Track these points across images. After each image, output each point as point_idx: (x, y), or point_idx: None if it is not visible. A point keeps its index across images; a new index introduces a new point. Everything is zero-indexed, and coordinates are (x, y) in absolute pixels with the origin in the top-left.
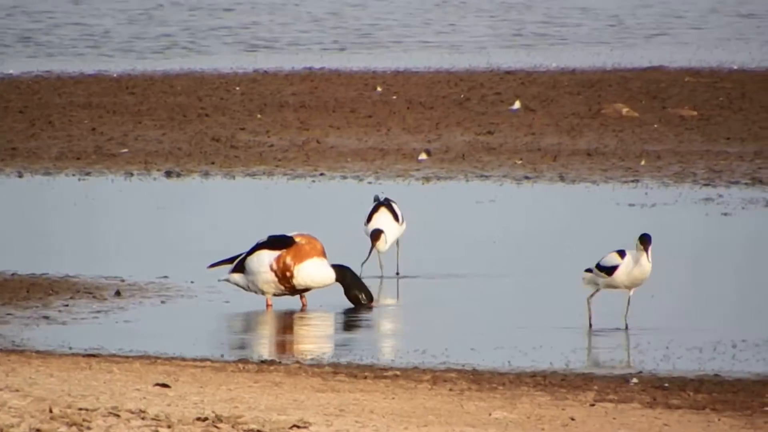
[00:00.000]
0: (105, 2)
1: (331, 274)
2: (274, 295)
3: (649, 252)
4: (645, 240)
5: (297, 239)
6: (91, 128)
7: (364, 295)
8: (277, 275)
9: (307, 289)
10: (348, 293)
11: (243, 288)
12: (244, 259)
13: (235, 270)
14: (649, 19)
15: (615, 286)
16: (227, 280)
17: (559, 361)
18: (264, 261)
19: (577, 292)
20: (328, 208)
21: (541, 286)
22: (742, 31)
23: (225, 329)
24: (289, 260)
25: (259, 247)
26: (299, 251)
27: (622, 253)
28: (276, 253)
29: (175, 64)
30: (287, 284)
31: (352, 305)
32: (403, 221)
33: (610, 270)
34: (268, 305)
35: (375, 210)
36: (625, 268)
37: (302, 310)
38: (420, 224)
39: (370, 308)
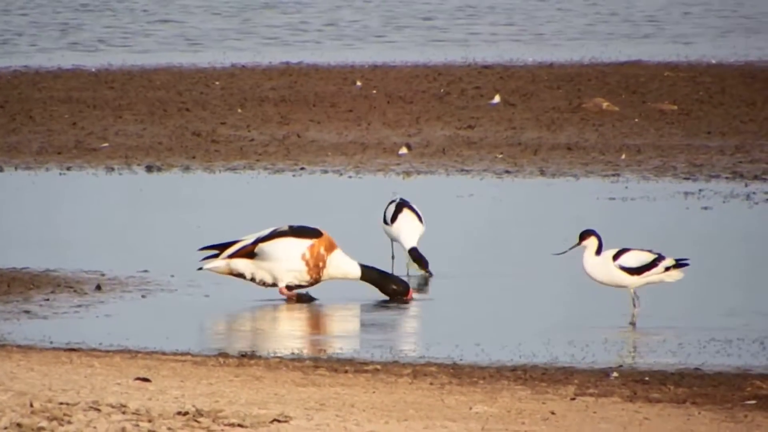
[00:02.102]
0: None
1: (358, 268)
2: (287, 286)
3: (588, 248)
4: (580, 236)
5: (322, 230)
6: (72, 123)
7: (397, 285)
8: (308, 265)
9: (316, 282)
10: (384, 289)
11: (242, 276)
12: (254, 245)
13: (236, 256)
14: (624, 13)
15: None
16: (213, 268)
17: (540, 355)
18: (293, 249)
19: (556, 287)
20: (309, 202)
21: (521, 281)
22: (719, 26)
23: (205, 323)
24: (323, 250)
25: (279, 234)
26: (329, 242)
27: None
28: (308, 242)
29: (151, 58)
30: (315, 275)
31: (388, 298)
32: (423, 222)
33: None
34: (284, 294)
35: (398, 210)
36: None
37: (288, 303)
38: None
39: (407, 300)
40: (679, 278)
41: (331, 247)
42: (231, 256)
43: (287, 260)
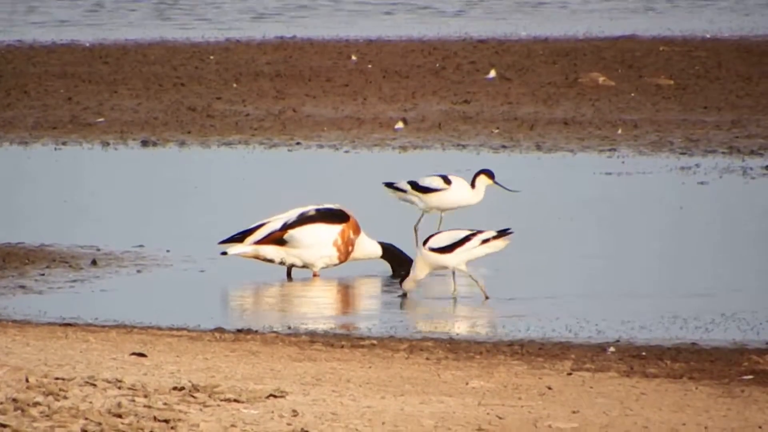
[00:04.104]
0: None
1: (379, 247)
2: (321, 268)
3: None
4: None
5: (347, 212)
6: (67, 98)
7: (408, 263)
8: (339, 250)
9: (341, 263)
10: (397, 266)
11: (271, 261)
12: (283, 231)
13: (264, 242)
14: None
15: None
16: (240, 253)
17: (537, 330)
18: (325, 236)
19: (552, 262)
20: (305, 177)
21: (517, 256)
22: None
23: (201, 298)
24: (351, 234)
25: (308, 220)
26: (356, 225)
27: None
28: (337, 228)
29: (146, 33)
30: (344, 258)
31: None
32: None
33: None
34: (315, 276)
35: (446, 178)
36: None
37: (288, 280)
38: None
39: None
40: (502, 247)
41: (357, 230)
42: (259, 242)
43: (319, 247)
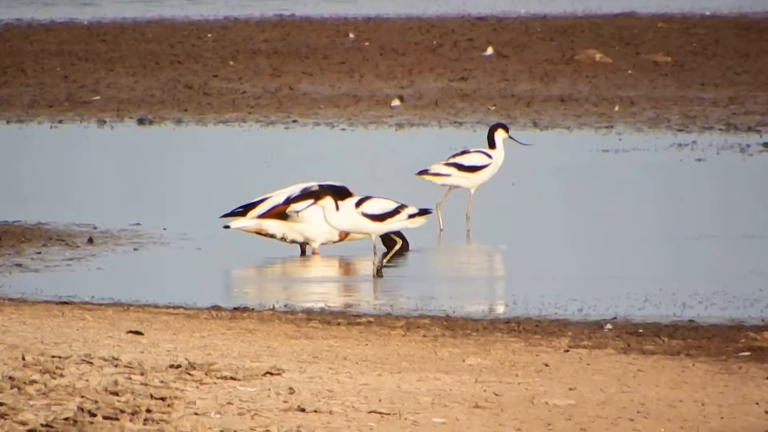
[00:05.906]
0: None
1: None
2: (321, 244)
3: (326, 207)
4: (316, 197)
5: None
6: (63, 76)
7: (401, 240)
8: None
9: (341, 241)
10: (390, 243)
11: (272, 236)
12: (286, 206)
13: (267, 216)
14: None
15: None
16: (243, 227)
17: (534, 308)
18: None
19: (549, 240)
20: (302, 154)
21: (513, 234)
22: None
23: (198, 276)
24: None
25: (311, 195)
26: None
27: None
28: None
29: (144, 11)
30: (343, 236)
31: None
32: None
33: None
34: (315, 253)
35: (493, 132)
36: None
37: (301, 257)
38: (394, 171)
39: (403, 252)
40: (422, 224)
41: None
42: (262, 216)
43: (321, 222)
